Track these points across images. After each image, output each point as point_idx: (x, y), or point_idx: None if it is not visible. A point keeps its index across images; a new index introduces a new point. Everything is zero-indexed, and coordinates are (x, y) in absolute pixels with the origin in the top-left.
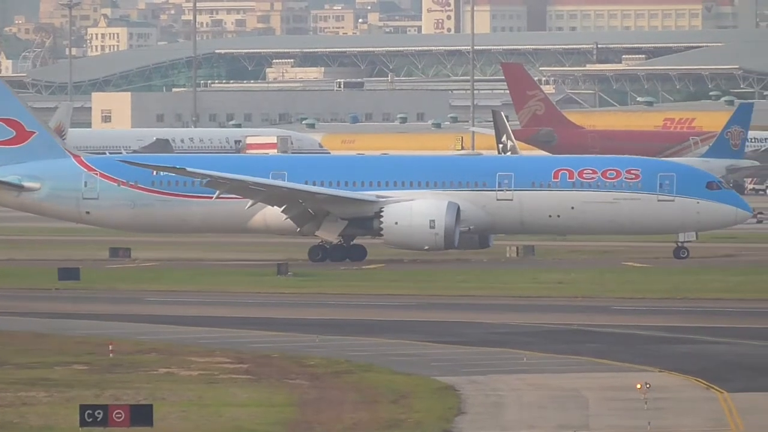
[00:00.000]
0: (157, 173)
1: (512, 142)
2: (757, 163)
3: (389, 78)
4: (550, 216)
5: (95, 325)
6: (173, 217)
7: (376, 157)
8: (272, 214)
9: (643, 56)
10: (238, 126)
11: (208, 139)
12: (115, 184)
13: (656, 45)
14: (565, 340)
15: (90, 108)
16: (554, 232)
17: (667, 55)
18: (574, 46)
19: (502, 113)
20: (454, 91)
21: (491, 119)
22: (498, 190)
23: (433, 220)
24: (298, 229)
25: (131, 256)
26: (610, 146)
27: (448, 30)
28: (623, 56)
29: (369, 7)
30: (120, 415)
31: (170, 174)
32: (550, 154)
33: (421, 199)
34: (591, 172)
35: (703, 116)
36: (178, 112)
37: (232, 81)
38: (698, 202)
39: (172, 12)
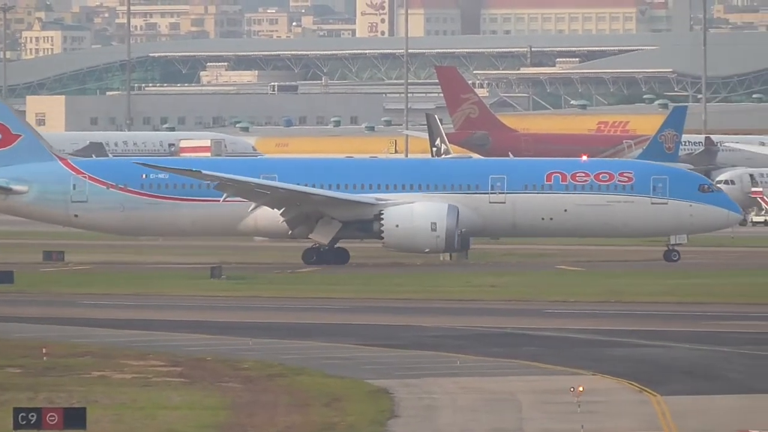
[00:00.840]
0: (146, 176)
1: (446, 145)
2: (691, 167)
3: (323, 81)
4: (542, 219)
5: (29, 329)
6: (163, 220)
7: (368, 160)
8: (263, 216)
9: (577, 60)
10: (172, 129)
11: (142, 143)
12: (105, 187)
13: (590, 48)
14: (499, 344)
15: (24, 111)
16: (547, 234)
17: (601, 59)
18: (508, 50)
19: (435, 116)
20: (388, 95)
21: (425, 122)
22: (491, 193)
23: (435, 223)
24: (290, 232)
25: (65, 259)
26: (543, 149)
27: (382, 33)
28: (557, 59)
29: (303, 11)
30: (54, 418)
31: (159, 176)
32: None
33: (421, 202)
34: (584, 174)
35: (637, 119)
36: (112, 115)
37: (166, 84)
38: (691, 205)
39: (106, 15)
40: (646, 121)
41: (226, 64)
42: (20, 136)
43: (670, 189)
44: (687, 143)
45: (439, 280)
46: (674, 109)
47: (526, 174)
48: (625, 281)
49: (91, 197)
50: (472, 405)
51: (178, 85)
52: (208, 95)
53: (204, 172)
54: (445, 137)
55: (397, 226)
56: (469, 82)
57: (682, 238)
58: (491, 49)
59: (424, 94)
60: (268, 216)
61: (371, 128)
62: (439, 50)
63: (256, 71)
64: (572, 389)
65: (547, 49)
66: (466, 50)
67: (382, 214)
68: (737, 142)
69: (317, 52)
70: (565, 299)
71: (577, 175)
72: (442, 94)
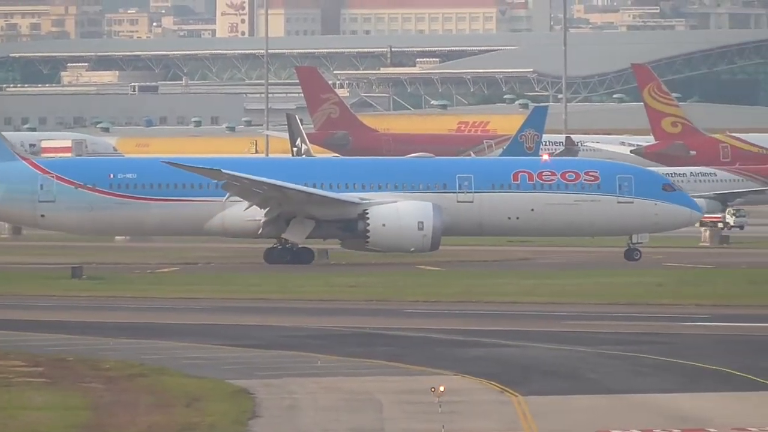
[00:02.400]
0: (114, 176)
1: (306, 145)
2: None
3: (184, 81)
4: (509, 218)
5: None
6: (131, 220)
7: (334, 159)
8: (231, 216)
9: (438, 60)
10: (33, 130)
11: None
12: (73, 187)
13: (450, 48)
14: (359, 344)
15: None
16: (512, 234)
17: (462, 59)
18: (369, 50)
19: (296, 117)
20: (249, 95)
21: (286, 123)
22: (458, 192)
23: (422, 222)
24: (260, 231)
25: None
26: (404, 149)
27: (243, 33)
28: (417, 60)
29: (163, 11)
30: None
31: (127, 176)
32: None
33: (405, 201)
34: (550, 174)
35: (497, 119)
36: None
37: (27, 84)
38: (656, 204)
39: None
40: (507, 121)
41: (86, 64)
42: None
43: (636, 188)
44: (547, 143)
45: (298, 280)
46: (534, 108)
47: (493, 173)
48: (484, 281)
49: (59, 197)
50: (333, 405)
51: (39, 85)
52: (68, 95)
53: (223, 171)
54: (305, 137)
55: (384, 225)
56: (330, 82)
57: (643, 236)
58: (351, 49)
59: (284, 95)
60: (236, 215)
61: (232, 128)
62: (299, 50)
63: (117, 71)
64: (433, 389)
65: (408, 49)
66: (326, 50)
67: (367, 213)
68: (597, 142)
69: (177, 53)
70: (424, 299)
71: (544, 174)
72: (302, 95)
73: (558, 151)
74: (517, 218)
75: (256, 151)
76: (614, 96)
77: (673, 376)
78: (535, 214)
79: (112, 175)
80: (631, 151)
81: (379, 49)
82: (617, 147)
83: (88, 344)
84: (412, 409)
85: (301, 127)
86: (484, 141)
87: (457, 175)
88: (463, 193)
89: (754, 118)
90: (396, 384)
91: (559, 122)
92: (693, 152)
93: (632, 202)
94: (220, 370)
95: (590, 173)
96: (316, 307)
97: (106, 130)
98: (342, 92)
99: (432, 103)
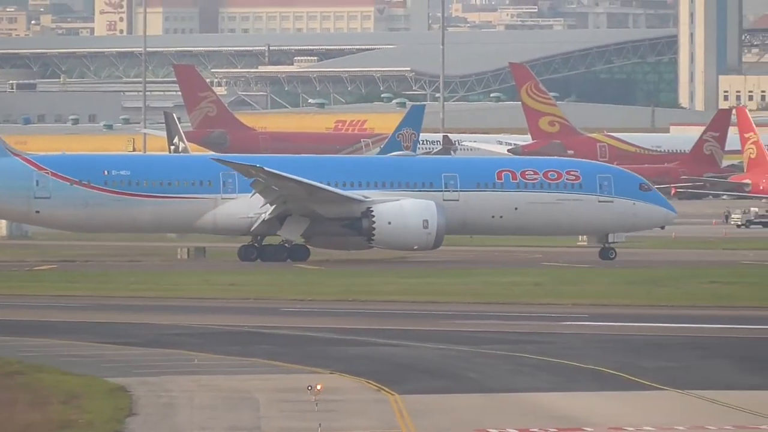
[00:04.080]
0: (108, 172)
1: (184, 143)
2: None
3: (62, 79)
4: (492, 217)
5: None
6: (125, 216)
7: (321, 157)
8: (222, 213)
9: (315, 58)
10: None
11: None
12: (68, 183)
13: (328, 47)
14: (237, 342)
15: None
16: (495, 233)
17: (339, 57)
18: (246, 48)
19: (173, 115)
20: (127, 93)
21: (163, 121)
22: (444, 191)
23: (427, 220)
24: (252, 229)
25: None
26: (282, 148)
27: (121, 32)
28: (295, 58)
29: (42, 9)
30: None
31: (121, 173)
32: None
33: (408, 199)
34: (532, 173)
35: (374, 118)
36: None
37: None
38: (634, 204)
39: None
40: (384, 120)
41: None
42: None
43: (615, 187)
44: (425, 142)
45: (176, 278)
46: (412, 107)
47: (478, 172)
48: (364, 280)
49: (55, 193)
50: (210, 403)
51: None
52: None
53: (266, 169)
54: (183, 135)
55: (389, 223)
56: (208, 80)
57: (619, 236)
58: (229, 48)
59: (162, 93)
60: (228, 213)
61: (109, 126)
62: (177, 49)
63: None
64: (310, 387)
65: (286, 47)
66: (204, 49)
67: (372, 211)
68: (475, 141)
69: (56, 51)
70: (303, 298)
71: (527, 173)
72: (180, 93)
73: (435, 150)
74: (501, 217)
75: (134, 149)
76: (492, 95)
77: (551, 376)
78: (518, 213)
79: (106, 172)
80: (508, 150)
81: (257, 48)
82: (494, 146)
83: None
84: (289, 407)
85: (178, 125)
86: (362, 140)
87: (443, 173)
88: (449, 191)
89: (631, 118)
90: (273, 382)
91: (436, 121)
92: (571, 151)
93: (612, 202)
94: (98, 368)
95: (571, 172)
96: (195, 306)
97: None
98: (220, 90)
99: (309, 101)
